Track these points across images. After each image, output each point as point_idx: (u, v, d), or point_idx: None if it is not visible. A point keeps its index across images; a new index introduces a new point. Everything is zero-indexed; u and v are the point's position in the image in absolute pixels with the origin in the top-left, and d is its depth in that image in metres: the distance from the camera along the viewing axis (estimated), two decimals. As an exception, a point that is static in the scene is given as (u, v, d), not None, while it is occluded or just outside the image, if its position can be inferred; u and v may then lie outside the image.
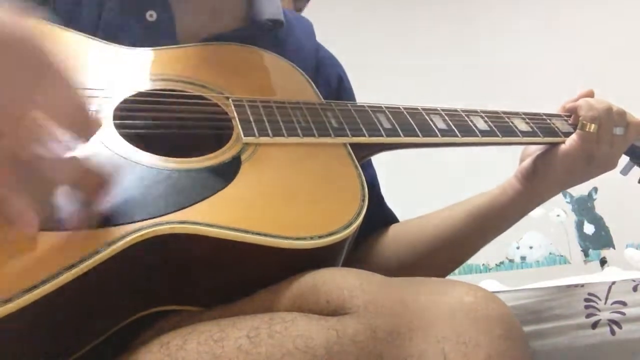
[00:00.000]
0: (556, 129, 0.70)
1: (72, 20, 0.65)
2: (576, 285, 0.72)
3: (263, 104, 0.61)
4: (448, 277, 0.71)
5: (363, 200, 0.53)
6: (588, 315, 0.69)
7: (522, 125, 0.70)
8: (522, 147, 0.76)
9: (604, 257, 2.36)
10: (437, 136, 0.64)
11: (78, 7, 0.67)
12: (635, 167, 0.77)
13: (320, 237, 0.47)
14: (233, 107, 0.60)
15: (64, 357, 0.44)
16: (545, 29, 2.60)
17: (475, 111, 0.70)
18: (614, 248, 2.36)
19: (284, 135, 0.58)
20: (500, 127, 0.68)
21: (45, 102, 0.39)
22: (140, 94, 0.58)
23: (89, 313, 0.44)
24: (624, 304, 0.69)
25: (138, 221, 0.44)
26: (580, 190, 2.38)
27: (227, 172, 0.52)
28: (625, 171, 0.75)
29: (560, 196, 2.31)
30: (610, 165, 0.70)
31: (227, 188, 0.50)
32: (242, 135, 0.56)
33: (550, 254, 2.38)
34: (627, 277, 0.73)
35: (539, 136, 0.69)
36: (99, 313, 0.45)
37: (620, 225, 2.36)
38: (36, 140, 0.39)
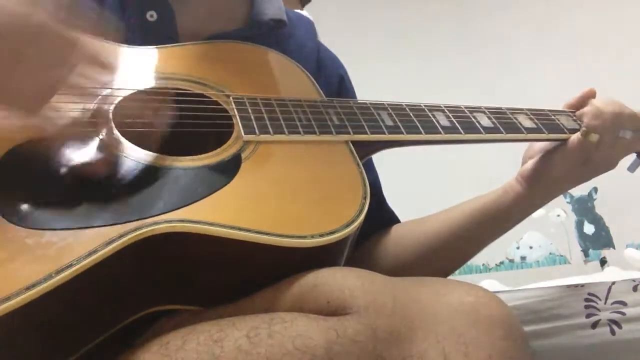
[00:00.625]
0: (561, 125, 0.69)
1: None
2: (576, 285, 0.72)
3: (264, 101, 0.61)
4: (448, 278, 0.70)
5: (365, 198, 0.53)
6: (588, 315, 0.68)
7: (526, 122, 0.69)
8: (524, 146, 0.76)
9: (604, 257, 2.36)
10: (440, 133, 0.64)
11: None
12: None
13: (321, 235, 0.47)
14: (234, 105, 0.59)
15: (64, 357, 0.43)
16: (545, 29, 2.59)
17: (479, 108, 0.69)
18: (614, 248, 2.36)
19: (285, 133, 0.57)
20: (504, 124, 0.67)
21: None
22: (140, 92, 0.58)
23: (88, 312, 0.44)
24: (624, 304, 0.69)
25: (137, 220, 0.44)
26: (580, 190, 2.38)
27: (227, 171, 0.52)
28: (632, 168, 0.74)
29: (560, 196, 2.31)
30: (609, 166, 0.70)
31: (227, 186, 0.50)
32: (243, 133, 0.56)
33: (550, 254, 2.38)
34: (627, 277, 0.73)
35: (544, 133, 0.68)
36: (98, 312, 0.45)
37: (620, 225, 2.36)
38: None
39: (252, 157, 0.54)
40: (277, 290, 0.46)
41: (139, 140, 0.53)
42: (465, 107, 0.68)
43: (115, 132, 0.53)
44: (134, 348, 0.44)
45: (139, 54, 0.63)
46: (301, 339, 0.40)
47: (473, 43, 2.60)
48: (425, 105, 0.67)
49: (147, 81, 0.60)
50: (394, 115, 0.64)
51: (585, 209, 2.41)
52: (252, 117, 0.58)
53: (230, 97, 0.61)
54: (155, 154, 0.52)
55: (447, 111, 0.67)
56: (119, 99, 0.56)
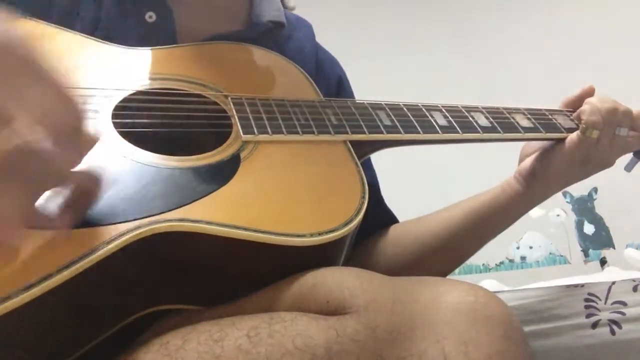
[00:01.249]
0: (558, 124, 0.70)
1: (70, 21, 0.65)
2: (576, 285, 0.72)
3: (262, 102, 0.61)
4: (448, 277, 0.70)
5: (363, 197, 0.53)
6: (588, 315, 0.68)
7: (523, 121, 0.69)
8: (522, 145, 0.76)
9: (604, 257, 2.35)
10: (438, 133, 0.64)
11: (76, 8, 0.67)
12: None
13: (319, 234, 0.47)
14: (232, 105, 0.60)
15: (64, 357, 0.43)
16: (545, 29, 2.59)
17: (476, 107, 0.69)
18: (614, 248, 2.36)
19: (283, 133, 0.58)
20: (502, 123, 0.68)
21: (32, 104, 0.37)
22: (139, 93, 0.58)
23: (88, 312, 0.44)
24: (624, 304, 0.69)
25: (137, 219, 0.44)
26: (580, 190, 2.38)
27: (226, 170, 0.52)
28: (629, 167, 0.75)
29: (560, 196, 2.31)
30: (607, 164, 0.70)
31: (226, 186, 0.50)
32: (242, 133, 0.56)
33: (550, 254, 2.38)
34: (627, 277, 0.73)
35: (541, 132, 0.68)
36: (98, 312, 0.45)
37: (620, 225, 2.35)
38: (23, 143, 0.36)
39: (251, 157, 0.54)
40: (276, 290, 0.46)
41: (138, 140, 0.53)
42: (463, 107, 0.69)
43: (115, 132, 0.53)
44: (134, 348, 0.44)
45: (138, 55, 0.64)
46: (301, 338, 0.40)
47: (470, 43, 2.60)
48: (422, 105, 0.67)
49: (146, 82, 0.60)
50: (391, 115, 0.64)
51: (585, 209, 2.41)
52: (251, 117, 0.58)
53: (229, 98, 0.61)
54: (155, 154, 0.52)
55: (444, 111, 0.67)
56: (119, 99, 0.56)
